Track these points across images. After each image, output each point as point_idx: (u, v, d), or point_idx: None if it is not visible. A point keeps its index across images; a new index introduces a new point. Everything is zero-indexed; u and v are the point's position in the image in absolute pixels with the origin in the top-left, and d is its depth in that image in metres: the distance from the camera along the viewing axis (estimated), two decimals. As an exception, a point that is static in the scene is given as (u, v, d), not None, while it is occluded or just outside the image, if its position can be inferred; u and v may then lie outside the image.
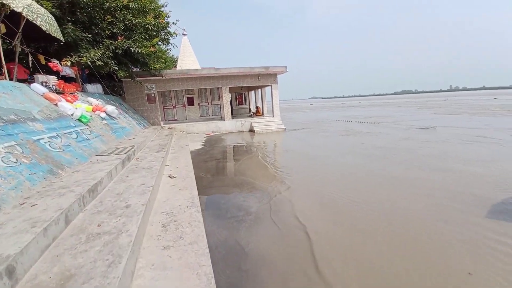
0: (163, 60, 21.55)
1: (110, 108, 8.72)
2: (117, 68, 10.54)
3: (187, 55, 18.48)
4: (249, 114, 20.69)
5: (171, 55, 26.36)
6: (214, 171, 7.25)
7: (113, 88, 17.13)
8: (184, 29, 18.37)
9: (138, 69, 14.70)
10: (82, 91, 10.05)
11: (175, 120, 17.73)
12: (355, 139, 11.40)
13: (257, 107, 19.98)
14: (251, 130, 16.22)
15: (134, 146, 6.96)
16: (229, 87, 15.96)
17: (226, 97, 15.96)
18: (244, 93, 23.46)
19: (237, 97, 22.47)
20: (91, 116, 7.39)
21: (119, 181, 4.43)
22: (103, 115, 8.02)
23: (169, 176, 5.56)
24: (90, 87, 10.57)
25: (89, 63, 9.32)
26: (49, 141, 4.72)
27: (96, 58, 9.51)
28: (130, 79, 13.00)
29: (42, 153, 4.24)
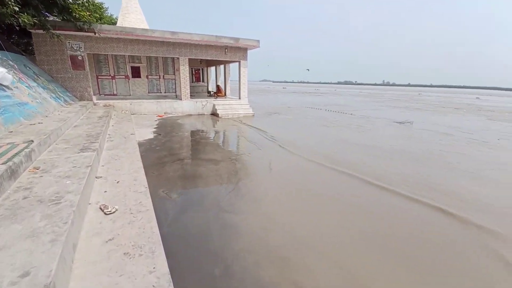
0: (97, 15, 16.60)
1: (-6, 70, 5.16)
2: (17, 9, 6.63)
3: (132, 11, 14.24)
4: (208, 94, 17.72)
5: (108, 14, 20.89)
6: (182, 184, 4.69)
7: (20, 44, 12.19)
8: (127, -25, 13.96)
9: (55, 18, 10.37)
10: None
11: (114, 95, 13.76)
12: (342, 133, 9.93)
13: (218, 86, 17.14)
14: (214, 114, 13.55)
15: (32, 141, 3.91)
16: (188, 59, 12.77)
17: (185, 71, 12.77)
18: (203, 69, 20.18)
19: (193, 72, 19.09)
20: None
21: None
22: (-27, 81, 4.54)
23: (101, 210, 2.93)
24: (-38, 32, 6.47)
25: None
26: None
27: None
28: (43, 31, 8.85)
29: None
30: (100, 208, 2.96)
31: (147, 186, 3.63)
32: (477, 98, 48.03)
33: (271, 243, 3.05)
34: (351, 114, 15.70)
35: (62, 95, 9.60)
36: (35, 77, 8.58)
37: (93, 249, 2.28)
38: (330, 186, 4.81)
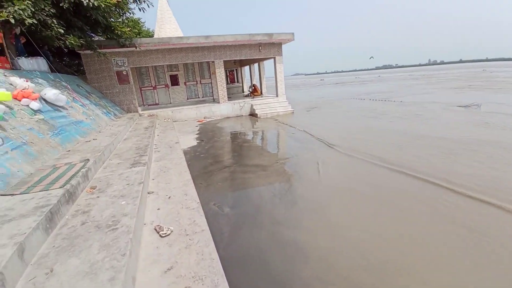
0: (136, 30, 17.57)
1: (51, 93, 5.51)
2: (62, 31, 7.09)
3: (166, 21, 14.72)
4: (245, 94, 17.58)
5: (145, 28, 22.05)
6: (232, 195, 4.43)
7: (72, 65, 13.36)
8: (159, -13, 14.43)
9: (100, 37, 11.07)
10: (12, 68, 6.66)
11: (156, 104, 14.37)
12: (393, 125, 8.87)
13: (254, 85, 16.86)
14: (252, 114, 13.31)
15: (88, 160, 3.98)
16: (223, 61, 12.70)
17: (221, 73, 12.74)
18: (236, 69, 20.14)
19: (228, 74, 19.14)
20: (9, 108, 4.25)
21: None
22: (35, 105, 4.84)
23: (157, 231, 2.76)
24: (25, 62, 7.12)
25: (12, 20, 5.88)
26: None
27: (25, 13, 6.06)
28: (90, 51, 9.46)
29: None
30: (155, 230, 2.79)
31: (198, 201, 3.42)
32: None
33: (344, 267, 2.57)
34: (401, 101, 14.16)
35: (112, 109, 10.21)
36: (88, 95, 9.21)
37: (153, 283, 2.07)
38: (405, 194, 3.97)
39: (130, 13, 14.24)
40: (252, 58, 13.13)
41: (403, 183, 4.34)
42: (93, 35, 10.83)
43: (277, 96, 14.00)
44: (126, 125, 8.00)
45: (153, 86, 14.16)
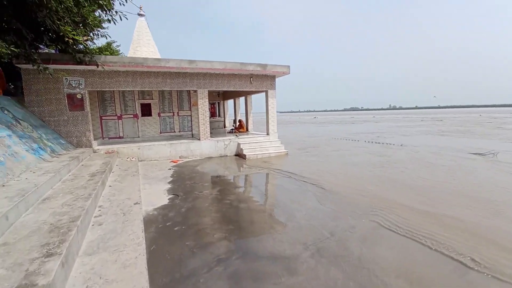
0: (108, 53, 15.31)
1: None
2: None
3: (144, 43, 12.73)
4: (228, 130, 15.51)
5: (117, 50, 19.91)
6: None
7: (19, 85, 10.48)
8: (141, 7, 12.68)
9: (53, 49, 8.65)
10: None
11: (119, 138, 11.62)
12: (415, 176, 7.17)
13: (239, 121, 14.95)
14: (239, 155, 11.10)
15: None
16: (209, 90, 10.70)
17: (204, 105, 10.63)
18: (219, 102, 18.34)
19: (209, 107, 17.20)
20: None
21: None
22: None
23: None
24: None
25: None
26: None
27: None
28: (31, 65, 6.90)
29: None
30: None
31: None
32: None
33: None
34: (401, 145, 12.96)
35: (50, 143, 7.39)
36: (13, 123, 6.44)
37: None
38: None
39: (99, 33, 12.17)
40: (241, 90, 11.34)
41: None
42: (42, 46, 8.37)
43: (267, 134, 12.09)
44: (60, 170, 5.28)
45: (118, 115, 11.55)
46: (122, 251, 2.99)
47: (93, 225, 3.72)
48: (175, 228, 4.10)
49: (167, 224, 4.27)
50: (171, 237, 3.81)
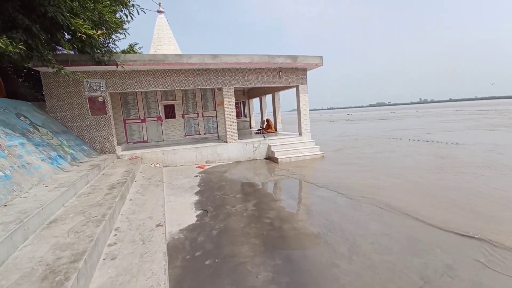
0: (129, 52, 15.05)
1: None
2: None
3: (165, 41, 12.19)
4: (255, 131, 14.57)
5: (140, 52, 19.80)
6: None
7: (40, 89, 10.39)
8: (160, 4, 12.15)
9: (70, 50, 8.26)
10: None
11: (144, 142, 11.14)
12: (491, 184, 5.67)
13: (267, 121, 13.93)
14: (270, 158, 10.08)
15: None
16: (234, 88, 9.81)
17: (230, 104, 9.76)
18: (243, 101, 17.47)
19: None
20: None
21: None
22: None
23: None
24: None
25: None
26: None
27: None
28: (48, 67, 6.41)
29: None
30: None
31: None
32: None
33: None
34: (457, 143, 11.15)
35: (71, 150, 6.90)
36: (30, 130, 5.97)
37: None
38: None
39: (120, 34, 11.76)
40: (270, 85, 10.31)
41: None
42: (60, 48, 7.99)
43: (300, 134, 10.94)
44: (76, 183, 4.61)
45: (142, 118, 11.06)
46: (135, 312, 2.10)
47: (104, 259, 2.90)
48: (206, 262, 3.17)
49: (196, 254, 3.36)
50: (201, 277, 2.89)
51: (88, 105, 8.33)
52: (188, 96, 11.68)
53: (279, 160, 9.30)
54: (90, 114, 8.38)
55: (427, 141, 12.14)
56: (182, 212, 4.86)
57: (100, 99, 8.42)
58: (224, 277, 2.86)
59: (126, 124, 10.82)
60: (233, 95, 9.77)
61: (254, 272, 2.93)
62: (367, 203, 4.87)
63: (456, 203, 4.64)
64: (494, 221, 3.87)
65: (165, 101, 11.30)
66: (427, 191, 5.40)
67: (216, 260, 3.20)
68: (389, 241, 3.50)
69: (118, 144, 9.34)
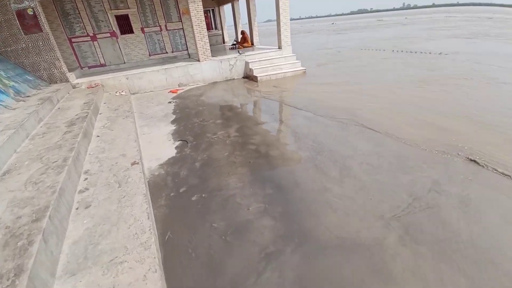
0: None
1: None
2: None
3: None
4: (230, 46, 12.98)
5: None
6: None
7: None
8: None
9: None
10: None
11: (101, 65, 9.57)
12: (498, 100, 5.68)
13: (242, 33, 12.27)
14: (248, 77, 9.29)
15: None
16: (201, -8, 7.98)
17: (198, 12, 8.12)
18: (213, 9, 14.95)
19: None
20: None
21: None
22: None
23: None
24: None
25: None
26: None
27: None
28: None
29: None
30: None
31: None
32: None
33: None
34: (439, 53, 10.79)
35: (12, 82, 5.70)
36: None
37: None
38: None
39: None
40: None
41: None
42: None
43: (279, 48, 9.85)
44: (26, 121, 3.87)
45: (91, 35, 9.14)
46: (122, 263, 1.93)
47: (77, 208, 2.59)
48: (193, 198, 2.99)
49: (181, 190, 3.16)
50: (190, 215, 2.74)
51: (17, 21, 6.50)
52: (145, 3, 9.53)
53: (258, 78, 8.58)
54: (22, 33, 6.64)
55: (412, 52, 11.62)
56: (159, 145, 4.46)
57: (30, 12, 6.54)
58: (213, 212, 2.73)
59: (74, 44, 8.97)
60: (200, 0, 8.03)
61: (245, 204, 2.81)
62: (352, 124, 4.70)
63: (441, 112, 4.60)
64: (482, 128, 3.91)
65: (115, 10, 9.16)
66: (412, 103, 5.29)
67: (203, 195, 3.03)
68: (378, 160, 3.46)
69: (70, 70, 7.93)
